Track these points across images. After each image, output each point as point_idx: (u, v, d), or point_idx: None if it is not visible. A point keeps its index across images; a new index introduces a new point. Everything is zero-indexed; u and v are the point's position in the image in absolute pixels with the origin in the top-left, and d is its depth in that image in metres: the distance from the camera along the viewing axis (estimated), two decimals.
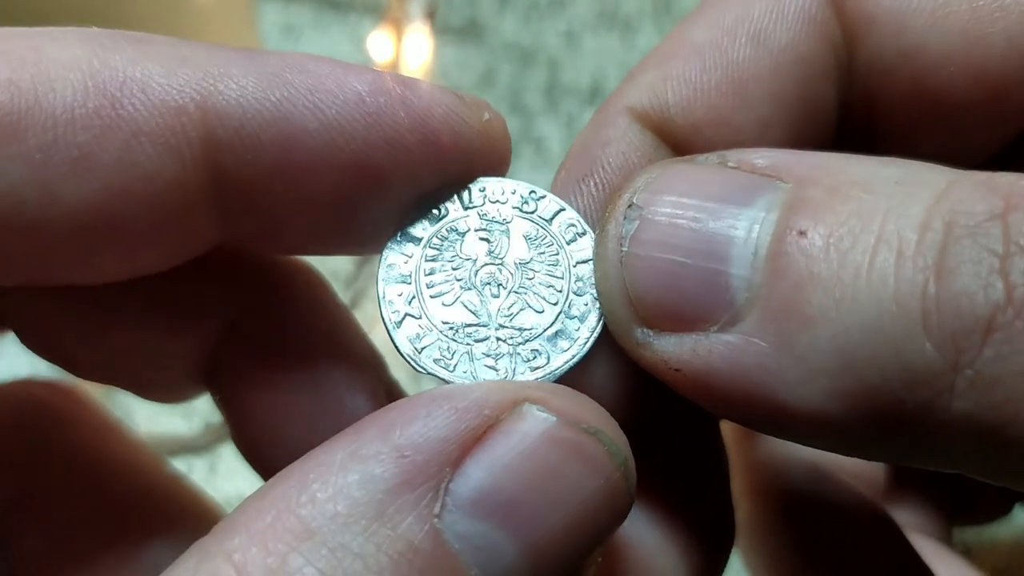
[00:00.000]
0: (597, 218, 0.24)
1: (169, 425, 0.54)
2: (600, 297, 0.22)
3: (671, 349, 0.20)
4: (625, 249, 0.21)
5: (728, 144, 0.24)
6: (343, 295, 0.30)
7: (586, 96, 0.68)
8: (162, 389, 0.28)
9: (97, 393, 0.53)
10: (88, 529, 0.27)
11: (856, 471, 0.35)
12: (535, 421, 0.19)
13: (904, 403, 0.18)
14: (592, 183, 0.24)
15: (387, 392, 0.27)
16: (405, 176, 0.22)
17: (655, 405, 0.23)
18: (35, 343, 0.26)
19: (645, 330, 0.21)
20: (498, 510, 0.18)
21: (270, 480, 0.19)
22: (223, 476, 0.53)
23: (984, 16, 0.24)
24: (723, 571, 0.27)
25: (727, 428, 0.38)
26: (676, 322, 0.20)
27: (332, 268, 0.59)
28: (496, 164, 0.24)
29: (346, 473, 0.18)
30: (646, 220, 0.21)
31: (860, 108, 0.26)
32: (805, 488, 0.33)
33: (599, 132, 0.25)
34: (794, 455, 0.34)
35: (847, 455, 0.20)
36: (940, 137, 0.25)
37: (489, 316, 0.23)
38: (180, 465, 0.54)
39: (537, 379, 0.22)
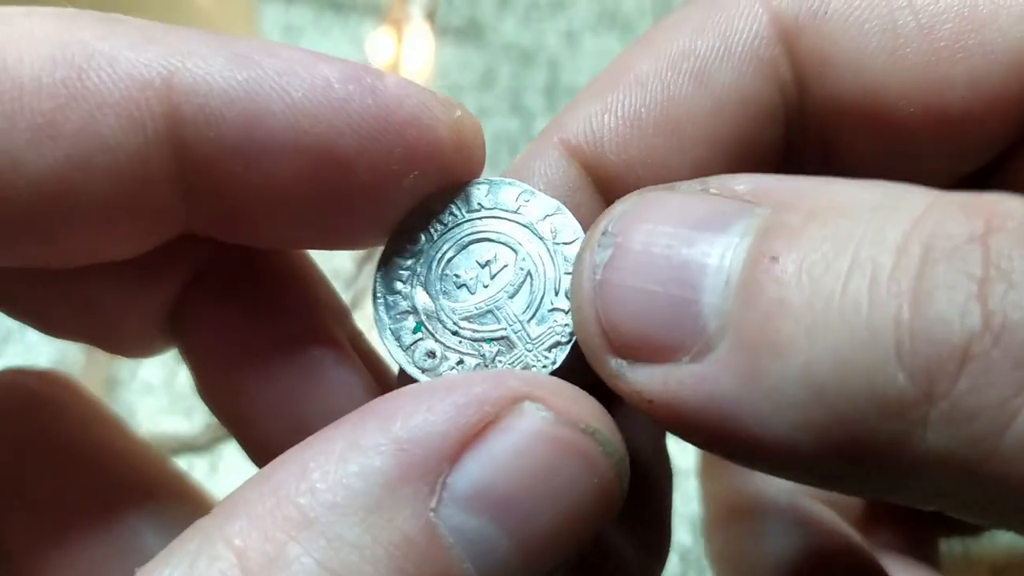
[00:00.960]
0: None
1: (170, 424, 0.54)
2: (575, 326, 0.22)
3: (643, 380, 0.20)
4: (598, 277, 0.20)
5: (659, 184, 0.23)
6: (344, 295, 0.30)
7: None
8: (129, 344, 0.28)
9: (98, 391, 0.54)
10: (81, 517, 0.27)
11: (832, 497, 0.35)
12: (534, 419, 0.19)
13: (877, 435, 0.17)
14: None
15: (351, 341, 0.27)
16: (371, 166, 0.22)
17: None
18: (2, 301, 0.26)
19: (619, 360, 0.20)
20: (493, 506, 0.18)
21: (271, 464, 0.19)
22: (224, 475, 0.54)
23: (945, 56, 0.23)
24: None
25: (701, 455, 0.38)
26: (649, 352, 0.20)
27: (333, 267, 0.59)
28: (466, 162, 0.24)
29: (346, 464, 0.18)
30: (620, 248, 0.20)
31: (814, 148, 0.25)
32: (781, 517, 0.33)
33: (528, 163, 0.25)
34: (769, 484, 0.34)
35: (821, 488, 0.20)
36: (900, 170, 0.25)
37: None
38: (181, 464, 0.54)
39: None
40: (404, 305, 0.23)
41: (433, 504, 0.18)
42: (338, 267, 0.59)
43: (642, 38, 0.26)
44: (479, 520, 0.18)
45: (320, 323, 0.27)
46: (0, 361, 0.49)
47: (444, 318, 0.23)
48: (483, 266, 0.23)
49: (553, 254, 0.24)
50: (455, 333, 0.23)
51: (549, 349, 0.23)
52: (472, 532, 0.18)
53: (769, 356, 0.18)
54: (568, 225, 0.24)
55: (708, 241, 0.19)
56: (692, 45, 0.24)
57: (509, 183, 0.24)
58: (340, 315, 0.28)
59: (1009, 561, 0.49)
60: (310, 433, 0.19)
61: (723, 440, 0.19)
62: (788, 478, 0.20)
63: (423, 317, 0.23)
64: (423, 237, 0.24)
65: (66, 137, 0.20)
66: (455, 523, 0.18)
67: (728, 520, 0.35)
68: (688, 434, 0.20)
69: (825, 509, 0.34)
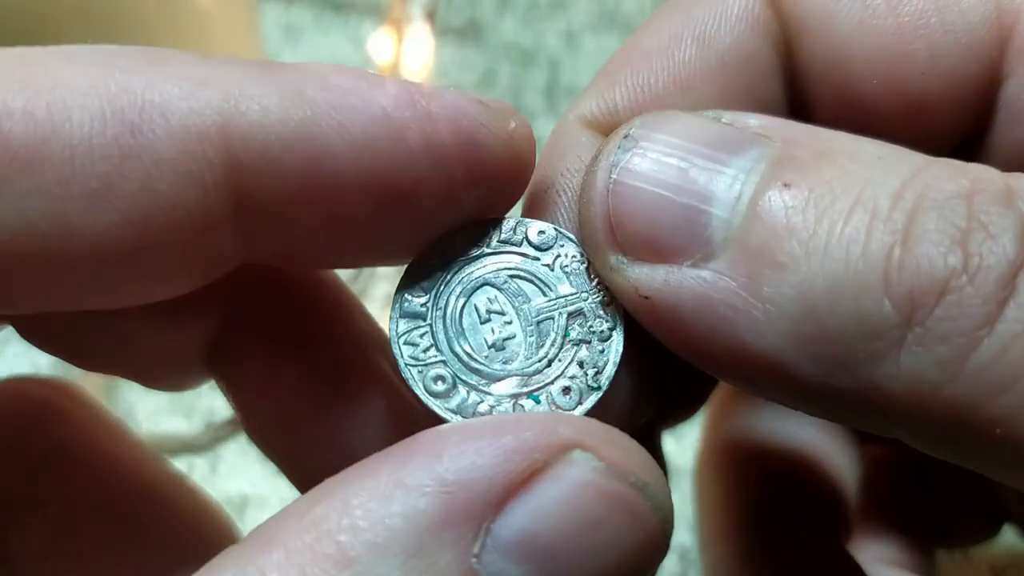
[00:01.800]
0: (566, 222, 0.24)
1: (170, 424, 0.54)
2: (581, 220, 0.22)
3: (643, 276, 0.21)
4: (614, 177, 0.21)
5: None
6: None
7: None
8: (166, 378, 0.28)
9: (98, 391, 0.54)
10: (86, 527, 0.27)
11: (825, 519, 0.35)
12: (584, 469, 0.19)
13: (856, 352, 0.19)
14: (555, 191, 0.25)
15: (392, 368, 0.27)
16: (431, 191, 0.22)
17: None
18: (34, 336, 0.26)
19: (620, 256, 0.21)
20: (536, 555, 0.18)
21: (311, 494, 0.19)
22: (224, 476, 0.54)
23: (908, 31, 0.24)
24: None
25: (703, 470, 0.38)
26: (652, 252, 0.21)
27: None
28: (522, 173, 0.23)
29: (389, 502, 0.18)
30: (638, 152, 0.21)
31: (801, 109, 0.26)
32: (771, 531, 0.34)
33: (555, 145, 0.25)
34: (764, 500, 0.34)
35: (793, 406, 0.21)
36: None
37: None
38: (181, 464, 0.54)
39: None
40: (420, 339, 0.23)
41: (476, 550, 0.18)
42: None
43: (644, 24, 0.27)
44: (520, 568, 0.18)
45: (362, 353, 0.27)
46: (1, 361, 0.49)
47: (470, 359, 0.23)
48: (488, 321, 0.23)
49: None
50: (472, 369, 0.23)
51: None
52: None
53: (770, 269, 0.20)
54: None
55: (723, 160, 0.21)
56: (690, 15, 0.26)
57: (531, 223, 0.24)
58: (379, 342, 0.27)
59: (1009, 561, 0.49)
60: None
61: (712, 344, 0.20)
62: (762, 393, 0.21)
63: (448, 364, 0.23)
64: (438, 273, 0.23)
65: (123, 199, 0.19)
66: (496, 569, 0.18)
67: (723, 535, 0.35)
68: (678, 335, 0.21)
69: (818, 528, 0.34)
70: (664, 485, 0.20)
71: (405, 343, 0.23)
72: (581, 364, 0.23)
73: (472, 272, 0.23)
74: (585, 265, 0.24)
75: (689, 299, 0.20)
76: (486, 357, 0.23)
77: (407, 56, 0.61)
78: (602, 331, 0.23)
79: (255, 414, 0.27)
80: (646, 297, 0.21)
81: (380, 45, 0.56)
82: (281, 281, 0.26)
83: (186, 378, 0.28)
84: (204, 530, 0.29)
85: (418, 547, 0.17)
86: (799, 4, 0.25)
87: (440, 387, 0.22)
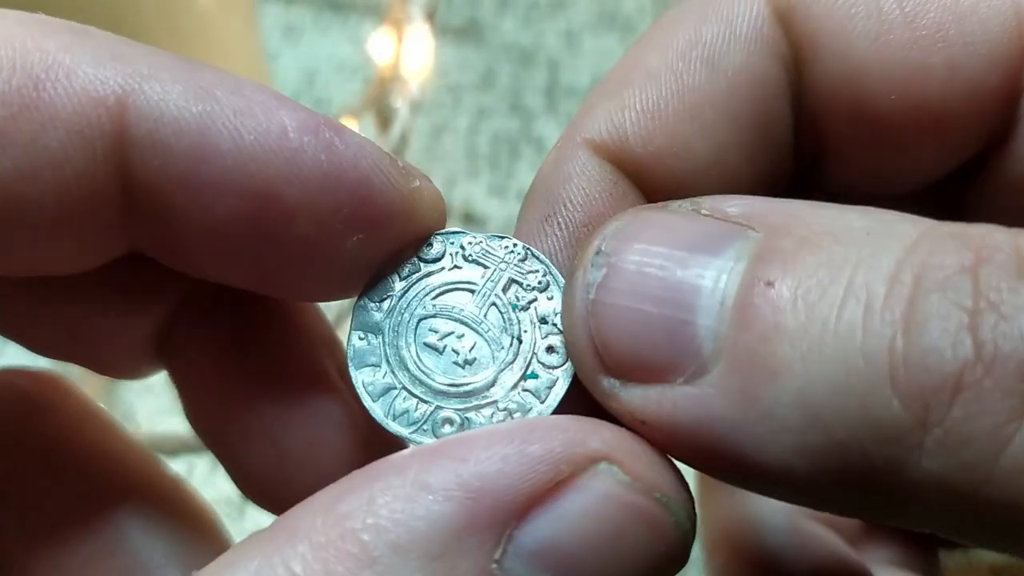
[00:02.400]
0: (564, 259, 0.24)
1: (170, 424, 0.54)
2: (567, 345, 0.22)
3: (637, 401, 0.20)
4: (592, 296, 0.20)
5: (687, 172, 0.24)
6: (334, 302, 0.30)
7: (586, 96, 0.68)
8: (118, 365, 0.28)
9: (98, 392, 0.54)
10: (72, 518, 0.27)
11: (830, 516, 0.35)
12: (608, 482, 0.19)
13: (872, 460, 0.17)
14: (556, 223, 0.24)
15: (339, 371, 0.27)
16: (313, 220, 0.21)
17: None
18: None
19: (612, 380, 0.20)
20: (556, 564, 0.18)
21: (338, 486, 0.19)
22: (224, 476, 0.53)
23: (926, 45, 0.23)
24: None
25: (699, 479, 0.38)
26: (642, 372, 0.20)
27: None
28: (415, 231, 0.23)
29: (414, 504, 0.18)
30: (614, 267, 0.20)
31: (809, 127, 0.26)
32: (779, 541, 0.33)
33: (559, 168, 0.25)
34: (767, 506, 0.34)
35: (817, 509, 0.20)
36: (884, 161, 0.25)
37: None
38: (181, 465, 0.54)
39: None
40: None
41: (497, 556, 0.18)
42: None
43: (645, 35, 0.26)
44: None
45: (309, 353, 0.26)
46: (0, 361, 0.49)
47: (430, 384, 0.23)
48: (446, 348, 0.23)
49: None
50: (445, 397, 0.23)
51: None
52: None
53: (765, 379, 0.18)
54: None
55: (702, 263, 0.20)
56: (697, 34, 0.25)
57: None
58: (330, 345, 0.27)
59: (1009, 561, 0.49)
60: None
61: (717, 462, 0.19)
62: (783, 500, 0.20)
63: (407, 388, 0.23)
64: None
65: (15, 147, 0.20)
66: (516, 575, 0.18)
67: (727, 543, 0.35)
68: (682, 455, 0.20)
69: (823, 529, 0.34)
70: (689, 499, 0.20)
71: (385, 412, 0.23)
72: (544, 320, 0.23)
73: (404, 316, 0.23)
74: (479, 242, 0.24)
75: (686, 422, 0.19)
76: (465, 378, 0.23)
77: (407, 56, 0.61)
78: (540, 282, 0.23)
79: (198, 406, 0.27)
80: (643, 423, 0.20)
81: (380, 45, 0.56)
82: None
83: (139, 366, 0.28)
84: (191, 528, 0.28)
85: (440, 551, 0.17)
86: (811, 22, 0.24)
87: (448, 429, 0.22)
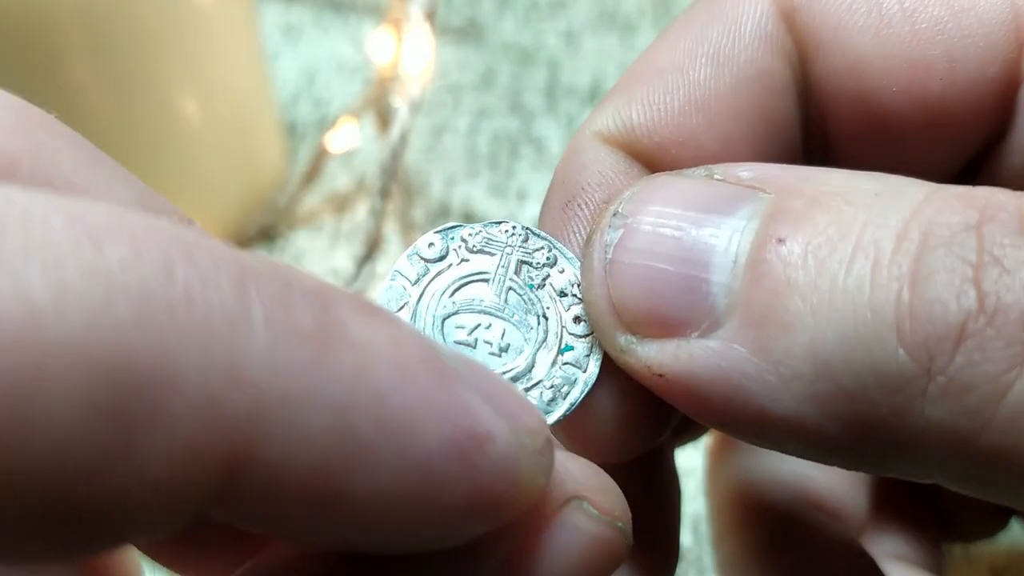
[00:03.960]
0: (581, 240, 0.24)
1: None
2: (586, 306, 0.23)
3: (653, 354, 0.21)
4: (609, 257, 0.21)
5: (694, 161, 0.24)
6: None
7: (586, 96, 0.68)
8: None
9: None
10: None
11: (837, 507, 0.35)
12: (582, 518, 0.20)
13: (879, 408, 0.18)
14: (576, 205, 0.25)
15: None
16: (438, 540, 0.18)
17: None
18: None
19: (628, 336, 0.21)
20: None
21: None
22: None
23: (925, 39, 0.24)
24: None
25: (713, 464, 0.38)
26: (658, 328, 0.21)
27: (332, 267, 0.59)
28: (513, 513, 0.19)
29: None
30: (630, 228, 0.21)
31: (816, 123, 0.26)
32: (783, 531, 0.34)
33: (574, 159, 0.25)
34: (772, 496, 0.34)
35: (825, 463, 0.21)
36: (889, 157, 0.26)
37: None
38: None
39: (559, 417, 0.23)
40: None
41: None
42: (337, 267, 0.59)
43: (656, 40, 0.27)
44: None
45: None
46: None
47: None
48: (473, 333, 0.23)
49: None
50: None
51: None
52: None
53: (777, 332, 0.19)
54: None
55: (715, 223, 0.20)
56: (703, 33, 0.25)
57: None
58: None
59: (1009, 561, 0.49)
60: None
61: (732, 413, 0.20)
62: (794, 454, 0.21)
63: None
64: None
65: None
66: None
67: (733, 532, 0.35)
68: (698, 408, 0.21)
69: (830, 520, 0.34)
70: (629, 515, 0.21)
71: None
72: (563, 293, 0.24)
73: (427, 320, 0.23)
74: (478, 232, 0.24)
75: (702, 373, 0.20)
76: (505, 366, 0.23)
77: (407, 56, 0.61)
78: (548, 258, 0.24)
79: None
80: (660, 375, 0.21)
81: (380, 45, 0.56)
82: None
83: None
84: None
85: None
86: (813, 19, 0.25)
87: None
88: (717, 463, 0.37)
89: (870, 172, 0.21)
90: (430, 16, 0.53)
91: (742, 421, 0.20)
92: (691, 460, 0.44)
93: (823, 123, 0.26)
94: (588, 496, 0.20)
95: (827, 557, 0.33)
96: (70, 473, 0.13)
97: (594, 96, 0.68)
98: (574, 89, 0.69)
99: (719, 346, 0.20)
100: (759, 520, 0.34)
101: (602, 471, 0.21)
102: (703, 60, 0.25)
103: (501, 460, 0.17)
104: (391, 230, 0.57)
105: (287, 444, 0.15)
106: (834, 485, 0.35)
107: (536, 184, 0.61)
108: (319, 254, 0.60)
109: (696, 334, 0.20)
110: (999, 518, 0.40)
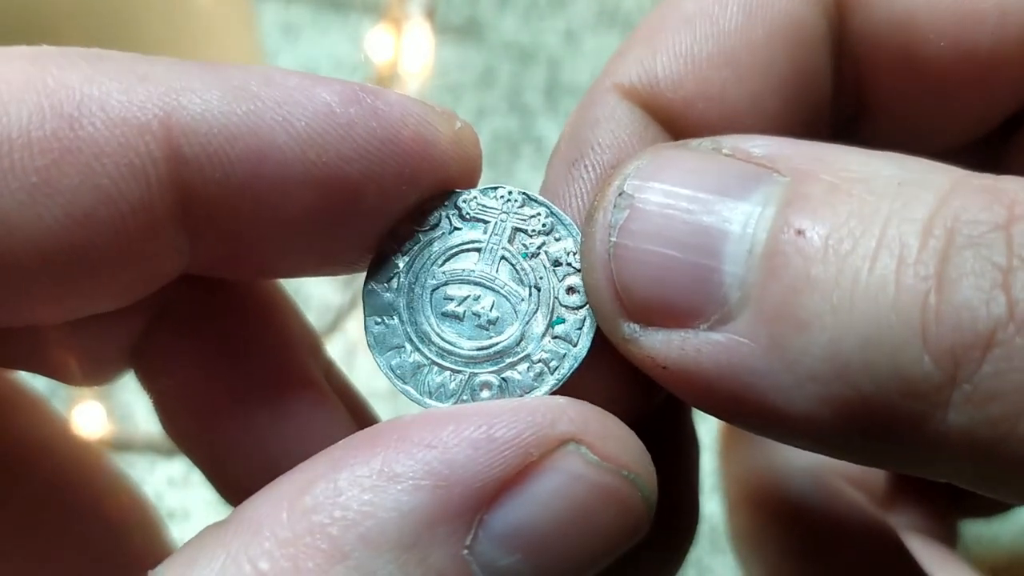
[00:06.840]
0: (584, 205, 0.23)
1: None
2: (587, 290, 0.22)
3: (658, 346, 0.20)
4: (614, 240, 0.20)
5: (721, 118, 0.23)
6: (340, 296, 0.30)
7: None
8: (84, 375, 0.27)
9: (96, 391, 0.53)
10: (22, 516, 0.26)
11: (856, 476, 0.35)
12: (578, 463, 0.19)
13: (897, 413, 0.18)
14: (583, 166, 0.23)
15: (324, 373, 0.26)
16: (379, 190, 0.21)
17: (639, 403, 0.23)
18: None
19: (632, 325, 0.20)
20: (527, 545, 0.18)
21: (299, 475, 0.18)
22: None
23: None
24: (683, 561, 0.28)
25: (722, 434, 0.38)
26: (664, 317, 0.20)
27: None
28: (469, 174, 0.23)
29: (381, 495, 0.17)
30: (636, 209, 0.20)
31: (850, 79, 0.25)
32: (803, 496, 0.33)
33: (588, 112, 0.24)
34: (792, 462, 0.34)
35: (838, 459, 0.20)
36: (930, 112, 0.25)
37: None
38: (180, 466, 0.54)
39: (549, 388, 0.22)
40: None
41: (468, 541, 0.18)
42: None
43: None
44: (512, 558, 0.18)
45: (293, 357, 0.26)
46: None
47: (446, 344, 0.22)
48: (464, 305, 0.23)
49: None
50: (456, 360, 0.22)
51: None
52: (502, 569, 0.18)
53: (793, 330, 0.18)
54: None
55: (729, 207, 0.19)
56: None
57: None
58: (314, 348, 0.27)
59: (1009, 561, 0.49)
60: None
61: (741, 410, 0.19)
62: (804, 448, 0.20)
63: (420, 348, 0.22)
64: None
65: (64, 193, 0.19)
66: (487, 559, 0.18)
67: (750, 500, 0.34)
68: (703, 402, 0.20)
69: (849, 488, 0.34)
70: (652, 472, 0.20)
71: (420, 391, 0.22)
72: (558, 262, 0.23)
73: (415, 291, 0.23)
74: (473, 198, 0.23)
75: (709, 368, 0.19)
76: (493, 339, 0.22)
77: (406, 55, 0.61)
78: (544, 224, 0.23)
79: (177, 415, 0.26)
80: (664, 367, 0.20)
81: (379, 43, 0.56)
82: (213, 281, 0.25)
83: (107, 375, 0.27)
84: (127, 517, 0.28)
85: (412, 542, 0.17)
86: None
87: (487, 393, 0.22)
88: (734, 431, 0.37)
89: (888, 153, 0.20)
90: (429, 15, 0.53)
91: (750, 417, 0.19)
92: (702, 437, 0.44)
93: (857, 78, 0.25)
94: (586, 440, 0.19)
95: (848, 523, 0.32)
96: None
97: None
98: (574, 88, 0.68)
99: (729, 341, 0.19)
100: (775, 490, 0.34)
101: (612, 417, 0.20)
102: (735, 8, 0.23)
103: (400, 105, 0.21)
104: None
105: (202, 106, 0.20)
106: None
107: (536, 183, 0.60)
108: None
109: (705, 326, 0.19)
110: None
